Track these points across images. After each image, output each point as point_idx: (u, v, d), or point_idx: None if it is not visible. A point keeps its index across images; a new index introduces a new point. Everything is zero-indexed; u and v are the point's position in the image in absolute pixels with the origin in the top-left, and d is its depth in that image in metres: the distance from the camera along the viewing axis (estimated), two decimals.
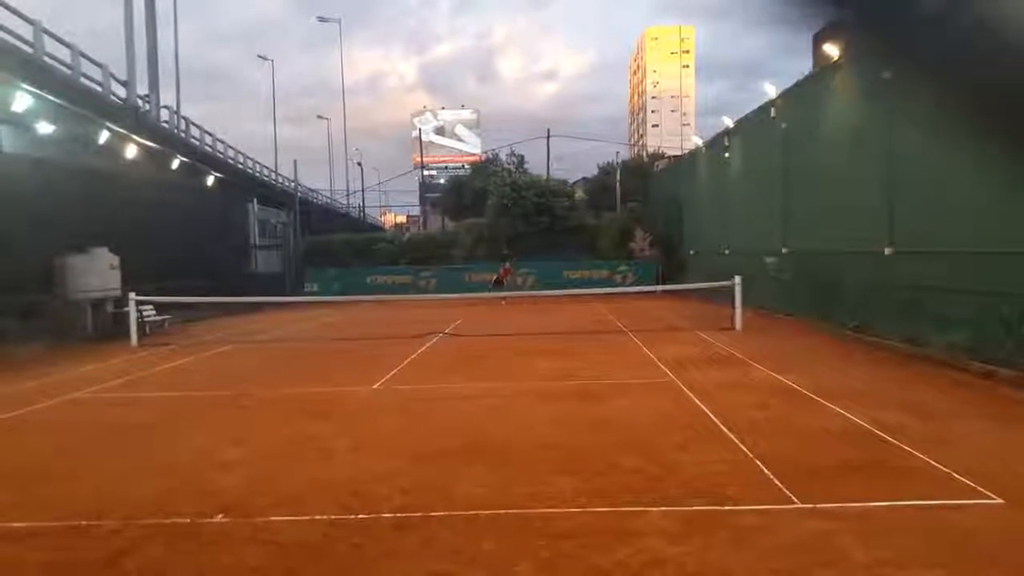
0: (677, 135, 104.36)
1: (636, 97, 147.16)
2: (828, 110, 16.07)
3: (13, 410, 9.37)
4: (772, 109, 19.32)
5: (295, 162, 43.09)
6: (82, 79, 21.03)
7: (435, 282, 32.27)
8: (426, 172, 67.52)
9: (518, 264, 31.11)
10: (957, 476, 5.65)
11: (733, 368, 11.29)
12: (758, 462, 6.16)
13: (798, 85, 18.06)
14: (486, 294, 26.21)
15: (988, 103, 1.36)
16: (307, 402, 9.58)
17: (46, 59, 19.16)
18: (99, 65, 22.16)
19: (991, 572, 4.14)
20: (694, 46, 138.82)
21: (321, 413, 8.83)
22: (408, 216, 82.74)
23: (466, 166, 68.59)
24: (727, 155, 23.57)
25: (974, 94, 1.35)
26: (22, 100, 16.69)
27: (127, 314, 16.88)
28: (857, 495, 5.29)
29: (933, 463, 6.01)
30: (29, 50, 18.33)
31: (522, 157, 50.52)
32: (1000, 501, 5.14)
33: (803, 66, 22.89)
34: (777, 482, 5.62)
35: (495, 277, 28.77)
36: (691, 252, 28.53)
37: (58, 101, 18.13)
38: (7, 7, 17.62)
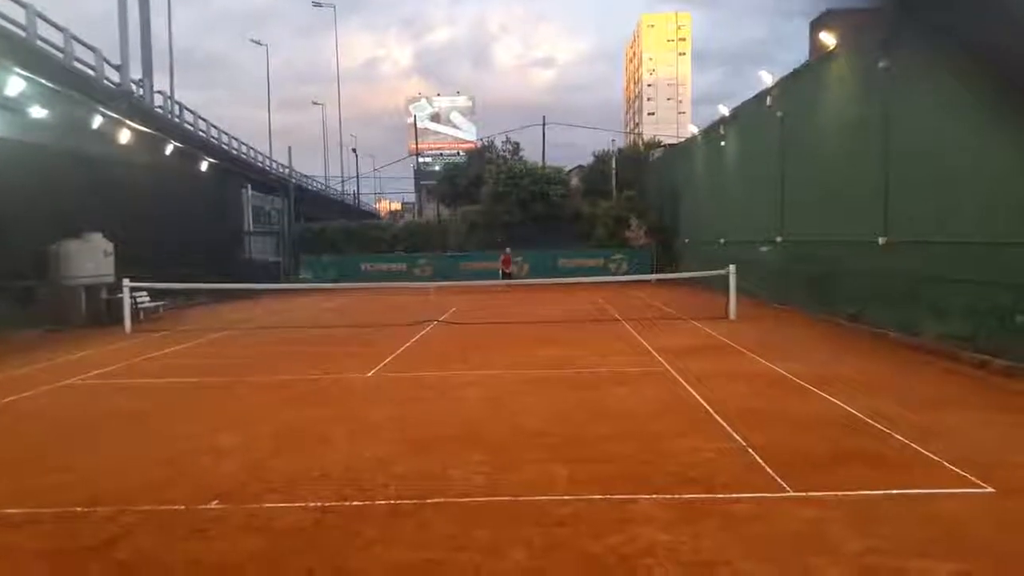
0: (673, 123, 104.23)
1: (632, 85, 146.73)
2: (824, 99, 16.04)
3: (6, 396, 9.35)
4: (768, 98, 19.29)
5: (289, 148, 43.51)
6: (75, 63, 20.88)
7: (430, 269, 32.26)
8: (421, 159, 67.33)
9: (512, 253, 31.12)
10: (949, 465, 5.69)
11: (727, 357, 11.32)
12: (751, 450, 6.19)
13: (795, 74, 18.03)
14: (486, 282, 26.21)
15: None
16: (302, 389, 9.58)
17: (39, 43, 19.01)
18: (92, 49, 22.00)
19: (982, 560, 4.17)
20: (690, 33, 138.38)
21: (316, 400, 8.83)
22: (403, 203, 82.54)
23: (461, 153, 68.41)
24: (723, 144, 23.54)
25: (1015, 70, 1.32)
26: (15, 84, 16.56)
27: (121, 300, 16.83)
28: (850, 484, 5.32)
29: (925, 452, 6.04)
30: (22, 34, 18.18)
31: (517, 144, 50.40)
32: (991, 490, 5.18)
33: (800, 54, 22.84)
34: (770, 470, 5.65)
35: (502, 269, 28.68)
36: (686, 241, 28.56)
37: (51, 85, 17.98)
38: None
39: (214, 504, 5.22)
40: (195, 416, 8.20)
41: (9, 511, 5.18)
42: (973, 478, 5.39)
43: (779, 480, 5.44)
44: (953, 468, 5.63)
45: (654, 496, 5.16)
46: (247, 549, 4.50)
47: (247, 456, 6.47)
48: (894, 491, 5.18)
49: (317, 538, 4.64)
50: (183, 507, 5.16)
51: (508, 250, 29.69)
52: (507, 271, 28.77)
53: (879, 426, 6.91)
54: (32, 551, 4.55)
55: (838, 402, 7.96)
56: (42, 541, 4.67)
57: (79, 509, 5.15)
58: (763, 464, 5.81)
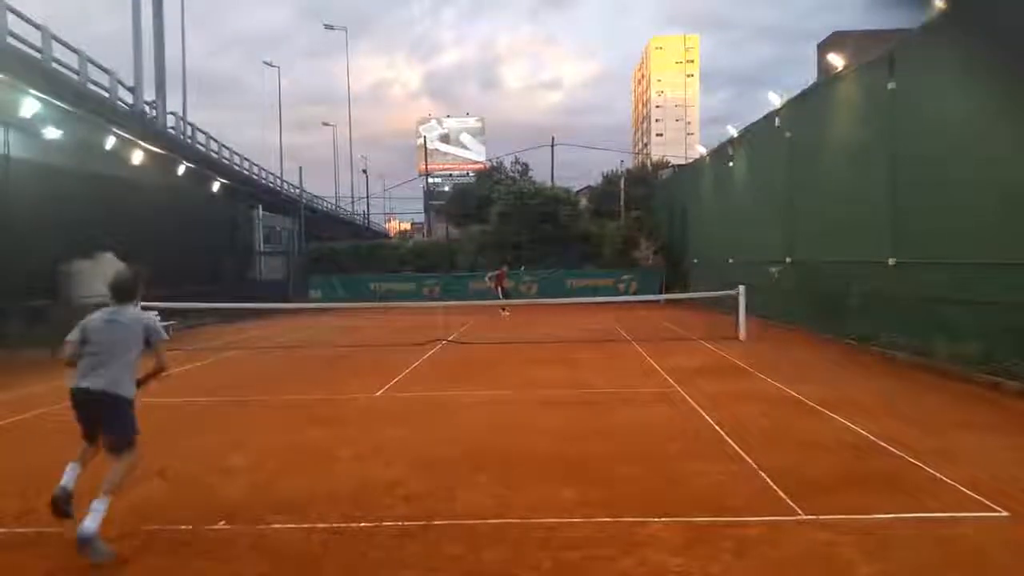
0: (682, 144, 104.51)
1: (640, 106, 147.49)
2: (833, 119, 16.07)
3: (15, 415, 9.37)
4: (777, 118, 19.33)
5: (300, 169, 43.57)
6: (89, 85, 21.13)
7: (439, 289, 32.27)
8: (431, 179, 67.66)
9: (522, 272, 31.09)
10: (962, 488, 5.63)
11: (737, 378, 11.25)
12: (762, 473, 6.14)
13: (803, 95, 18.08)
14: (492, 301, 26.04)
15: None
16: (310, 409, 9.56)
17: (54, 64, 19.26)
18: (106, 71, 22.29)
19: None
20: (698, 55, 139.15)
21: (324, 420, 8.81)
22: (412, 223, 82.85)
23: (471, 173, 68.70)
24: (731, 164, 23.57)
25: None
26: (30, 105, 16.76)
27: None
28: (861, 507, 5.26)
29: (938, 475, 5.98)
30: (37, 55, 18.43)
31: (526, 165, 50.61)
32: (1005, 514, 5.11)
33: (808, 76, 22.96)
34: (781, 493, 5.60)
35: (498, 287, 27.41)
36: (695, 261, 28.52)
37: (65, 106, 18.20)
38: (15, 12, 17.72)
39: (221, 524, 5.20)
40: (203, 435, 8.19)
41: (17, 530, 5.18)
42: (987, 502, 5.32)
43: (791, 503, 5.38)
44: (967, 491, 5.56)
45: (664, 519, 5.11)
46: (255, 570, 4.47)
47: (255, 476, 6.45)
48: (907, 515, 5.12)
49: (324, 560, 4.61)
50: (190, 527, 5.14)
51: (505, 267, 28.64)
52: (502, 287, 27.13)
53: (891, 448, 6.85)
54: (39, 571, 4.54)
55: (849, 424, 7.89)
56: (50, 561, 4.65)
57: None
58: (774, 487, 5.76)
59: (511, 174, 48.90)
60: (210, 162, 30.57)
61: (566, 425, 8.25)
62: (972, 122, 11.12)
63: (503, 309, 25.31)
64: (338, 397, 10.44)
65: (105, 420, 5.08)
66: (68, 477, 4.95)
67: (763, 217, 20.30)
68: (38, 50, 18.47)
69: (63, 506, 4.86)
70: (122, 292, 5.49)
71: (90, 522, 4.57)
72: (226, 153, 34.41)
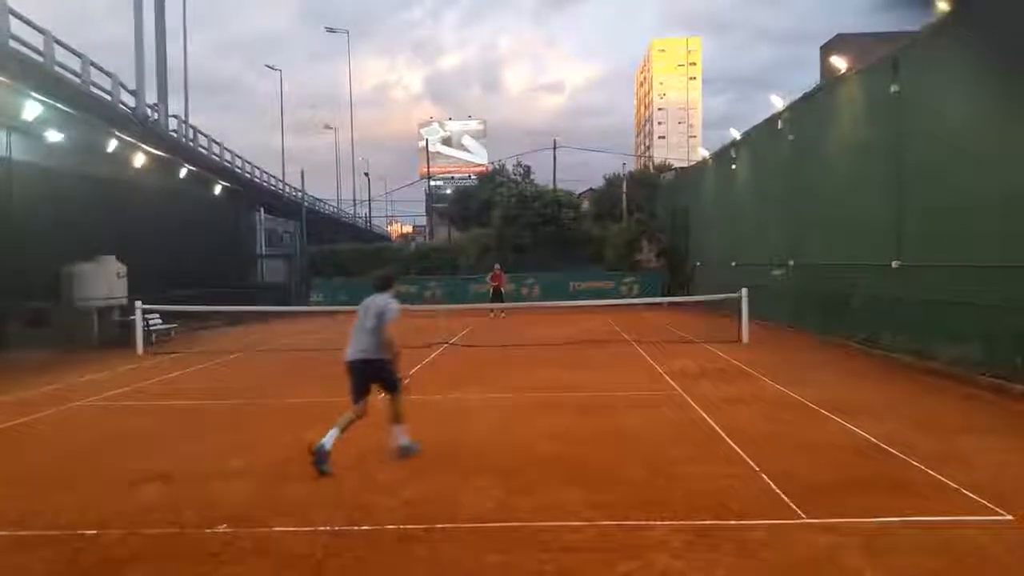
0: (684, 147, 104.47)
1: (643, 109, 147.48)
2: (836, 122, 16.05)
3: (19, 418, 9.38)
4: (779, 121, 19.31)
5: (302, 172, 43.50)
6: (92, 88, 21.14)
7: (441, 292, 32.23)
8: (433, 182, 67.68)
9: (523, 275, 31.05)
10: (966, 492, 5.60)
11: (740, 381, 11.23)
12: (765, 476, 6.12)
13: (806, 97, 18.05)
14: (493, 305, 26.05)
15: None
16: (311, 412, 9.52)
17: (57, 68, 19.27)
18: (108, 74, 22.27)
19: None
20: (700, 58, 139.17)
21: (326, 423, 8.76)
22: (414, 226, 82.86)
23: (473, 176, 68.73)
24: (734, 167, 23.55)
25: None
26: (32, 108, 16.78)
27: (133, 322, 16.90)
28: (865, 511, 5.24)
29: (942, 479, 5.95)
30: (40, 59, 18.44)
31: (528, 168, 50.62)
32: (1009, 517, 5.09)
33: (811, 78, 22.95)
34: (784, 496, 5.58)
35: (492, 289, 27.17)
36: (697, 264, 28.48)
37: (68, 110, 18.21)
38: (18, 16, 17.73)
39: (223, 528, 5.19)
40: (204, 438, 8.19)
41: (19, 533, 5.17)
42: (991, 505, 5.30)
43: (793, 506, 5.36)
44: (970, 495, 5.54)
45: (668, 522, 5.09)
46: (257, 574, 4.46)
47: (256, 479, 6.45)
48: (911, 518, 5.09)
49: (326, 563, 4.59)
50: (192, 530, 5.13)
51: (498, 266, 28.07)
52: (497, 288, 26.93)
53: (894, 452, 6.82)
54: (41, 573, 4.53)
55: (852, 427, 7.87)
56: (53, 564, 4.65)
57: (88, 532, 5.13)
58: (777, 490, 5.74)
59: (513, 177, 48.95)
60: (211, 165, 30.57)
61: (568, 428, 8.23)
62: (975, 125, 11.10)
63: (500, 312, 25.42)
64: (340, 400, 10.39)
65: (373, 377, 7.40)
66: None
67: (766, 220, 20.27)
68: (40, 53, 18.48)
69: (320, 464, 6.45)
70: (376, 284, 7.60)
71: (400, 440, 7.13)
72: (228, 156, 34.40)
